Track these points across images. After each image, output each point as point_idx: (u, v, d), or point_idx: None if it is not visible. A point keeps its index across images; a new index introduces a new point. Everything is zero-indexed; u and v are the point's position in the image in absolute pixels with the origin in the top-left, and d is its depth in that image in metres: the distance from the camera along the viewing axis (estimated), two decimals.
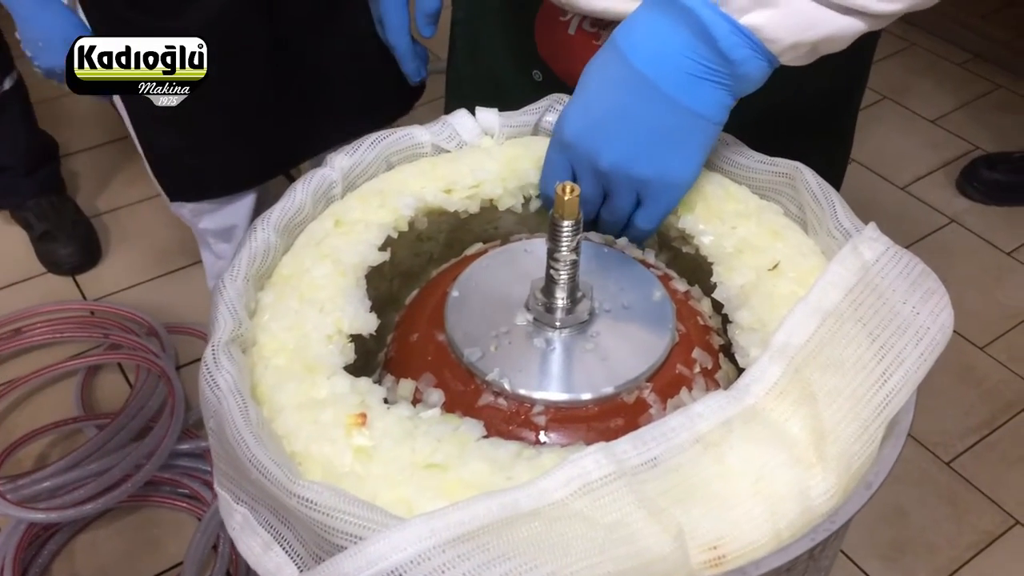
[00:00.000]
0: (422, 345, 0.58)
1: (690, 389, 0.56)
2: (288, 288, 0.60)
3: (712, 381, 0.58)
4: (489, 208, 0.68)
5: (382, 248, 0.62)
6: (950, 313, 0.54)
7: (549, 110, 0.73)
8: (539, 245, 0.62)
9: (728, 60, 0.57)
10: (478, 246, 0.67)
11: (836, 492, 0.48)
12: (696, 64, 0.57)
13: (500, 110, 0.72)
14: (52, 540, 1.42)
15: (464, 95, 1.00)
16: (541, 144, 0.68)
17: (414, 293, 0.65)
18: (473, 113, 0.71)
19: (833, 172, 0.91)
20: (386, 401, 0.53)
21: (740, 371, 0.56)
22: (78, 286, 1.88)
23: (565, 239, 0.54)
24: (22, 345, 1.71)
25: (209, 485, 1.48)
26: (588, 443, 0.51)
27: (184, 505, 1.48)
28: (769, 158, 0.66)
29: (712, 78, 0.58)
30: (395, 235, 0.64)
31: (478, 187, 0.67)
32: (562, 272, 0.56)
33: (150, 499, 1.48)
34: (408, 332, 0.60)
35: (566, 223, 0.54)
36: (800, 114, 0.83)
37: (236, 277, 0.58)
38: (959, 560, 1.45)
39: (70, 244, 1.90)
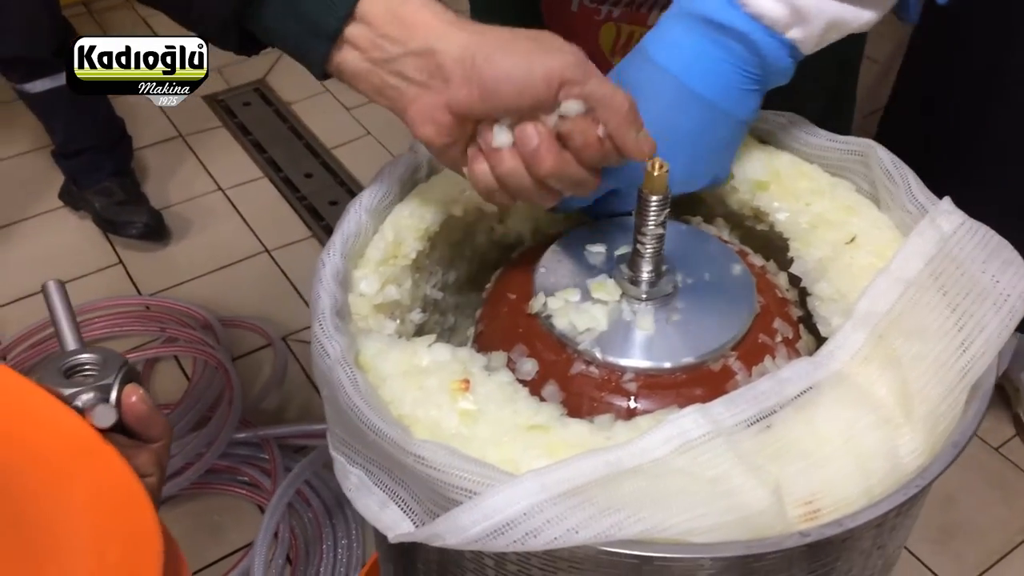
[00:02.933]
0: (513, 318, 0.61)
1: (774, 357, 0.58)
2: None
3: (793, 350, 0.60)
4: None
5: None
6: None
7: None
8: (620, 223, 0.65)
9: (774, 71, 0.61)
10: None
11: (924, 451, 0.50)
12: (747, 79, 0.61)
13: None
14: None
15: None
16: None
17: (499, 271, 0.68)
18: None
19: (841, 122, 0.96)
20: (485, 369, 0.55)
21: (820, 341, 0.58)
22: (133, 282, 1.93)
23: (652, 214, 0.56)
24: None
25: (267, 472, 1.51)
26: (679, 408, 0.53)
27: (244, 492, 1.52)
28: (840, 137, 0.68)
29: (757, 88, 0.62)
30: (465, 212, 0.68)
31: None
32: (648, 246, 0.58)
33: (211, 486, 1.52)
34: (498, 306, 0.63)
35: (654, 198, 0.56)
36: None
37: (333, 255, 0.61)
38: (1010, 543, 1.45)
39: (146, 213, 1.97)
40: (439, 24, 0.54)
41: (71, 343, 0.52)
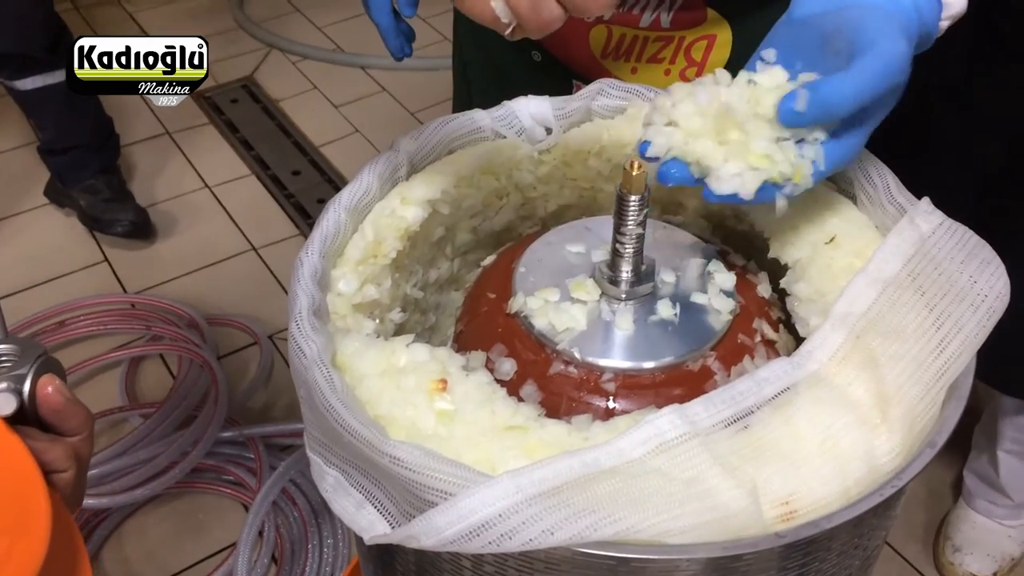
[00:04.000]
0: (492, 318, 0.60)
1: (752, 357, 0.58)
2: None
3: (772, 350, 0.60)
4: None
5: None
6: (1006, 282, 0.55)
7: (600, 94, 0.75)
8: (600, 222, 0.65)
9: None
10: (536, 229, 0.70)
11: (901, 451, 0.50)
12: None
13: (502, 90, 0.73)
14: (102, 526, 1.46)
15: (469, 78, 1.02)
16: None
17: (479, 271, 0.68)
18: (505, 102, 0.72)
19: None
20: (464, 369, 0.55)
21: (799, 341, 0.58)
22: (119, 280, 1.92)
23: (632, 214, 0.56)
24: (66, 337, 1.75)
25: (252, 471, 1.51)
26: (657, 408, 0.53)
27: (228, 491, 1.51)
28: None
29: None
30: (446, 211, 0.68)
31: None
32: (628, 246, 0.58)
33: (195, 485, 1.52)
34: (477, 306, 0.62)
35: (633, 198, 0.56)
36: None
37: (311, 254, 0.61)
38: None
39: (132, 211, 1.97)
40: None
41: None
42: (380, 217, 0.64)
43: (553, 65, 0.89)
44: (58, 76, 1.82)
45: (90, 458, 0.52)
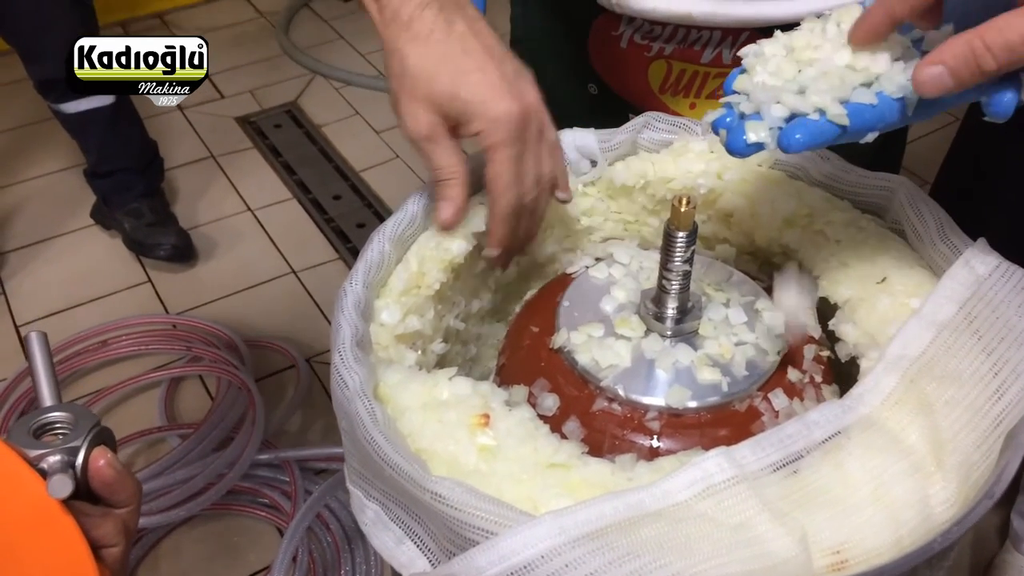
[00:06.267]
0: (535, 352, 0.60)
1: (801, 399, 0.57)
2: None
3: (821, 392, 0.58)
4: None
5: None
6: None
7: (646, 127, 0.74)
8: (645, 256, 0.64)
9: None
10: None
11: (956, 501, 0.48)
12: None
13: (558, 122, 0.73)
14: (138, 544, 1.47)
15: None
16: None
17: (523, 303, 0.67)
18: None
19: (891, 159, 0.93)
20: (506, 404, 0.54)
21: (849, 383, 0.57)
22: (161, 301, 1.94)
23: (679, 250, 0.56)
24: (108, 357, 1.77)
25: (287, 495, 1.51)
26: (702, 449, 0.52)
27: (263, 514, 1.51)
28: (871, 172, 0.66)
29: None
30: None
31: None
32: (674, 282, 0.57)
33: (231, 507, 1.52)
34: (520, 340, 0.62)
35: (681, 234, 0.55)
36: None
37: (355, 284, 0.61)
38: None
39: (174, 235, 2.00)
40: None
41: (47, 399, 0.50)
42: (424, 248, 0.64)
43: (610, 99, 0.88)
44: (102, 100, 1.85)
45: (136, 529, 0.51)
